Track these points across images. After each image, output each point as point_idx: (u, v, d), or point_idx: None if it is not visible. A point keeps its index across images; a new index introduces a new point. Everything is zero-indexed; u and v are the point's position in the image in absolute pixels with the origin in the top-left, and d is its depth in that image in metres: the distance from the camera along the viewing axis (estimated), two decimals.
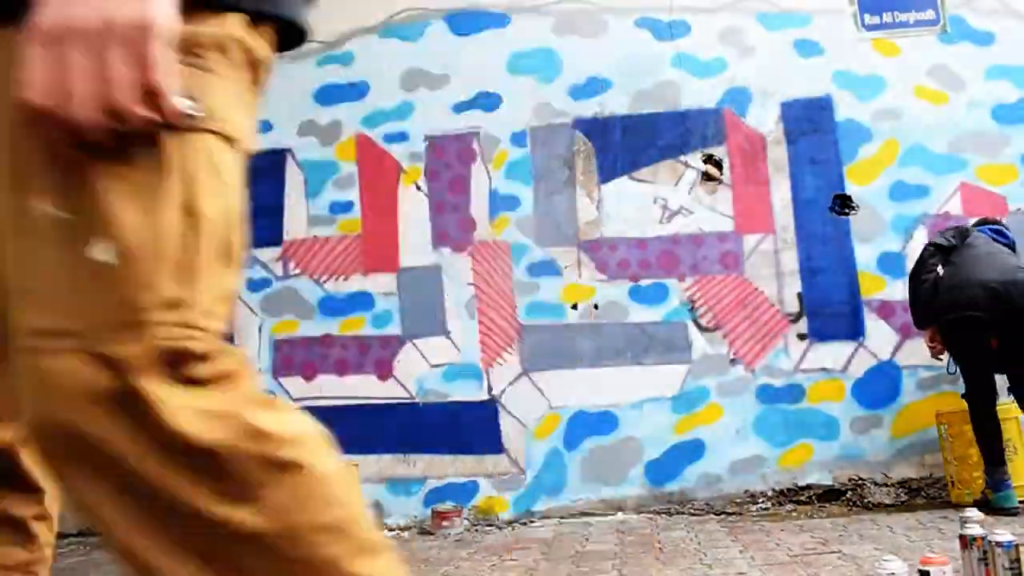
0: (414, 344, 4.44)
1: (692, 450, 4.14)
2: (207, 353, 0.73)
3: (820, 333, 4.21)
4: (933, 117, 4.33)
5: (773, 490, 4.04)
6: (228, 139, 0.78)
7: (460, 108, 4.60)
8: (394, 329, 4.44)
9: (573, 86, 4.54)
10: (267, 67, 0.85)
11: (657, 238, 4.37)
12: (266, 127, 4.73)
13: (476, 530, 3.99)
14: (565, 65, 4.56)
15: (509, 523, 4.09)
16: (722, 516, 3.85)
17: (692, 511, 3.98)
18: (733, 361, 4.22)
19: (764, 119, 4.41)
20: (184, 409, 0.70)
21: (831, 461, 4.07)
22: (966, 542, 2.06)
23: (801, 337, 4.22)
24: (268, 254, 4.62)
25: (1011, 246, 3.71)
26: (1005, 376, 3.54)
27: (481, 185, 4.53)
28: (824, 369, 4.17)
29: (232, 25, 0.78)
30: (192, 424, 0.70)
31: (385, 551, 0.79)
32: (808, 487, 4.03)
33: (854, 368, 4.16)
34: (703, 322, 4.26)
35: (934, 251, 3.65)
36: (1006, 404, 3.77)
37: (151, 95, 0.67)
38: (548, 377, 4.31)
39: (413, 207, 4.55)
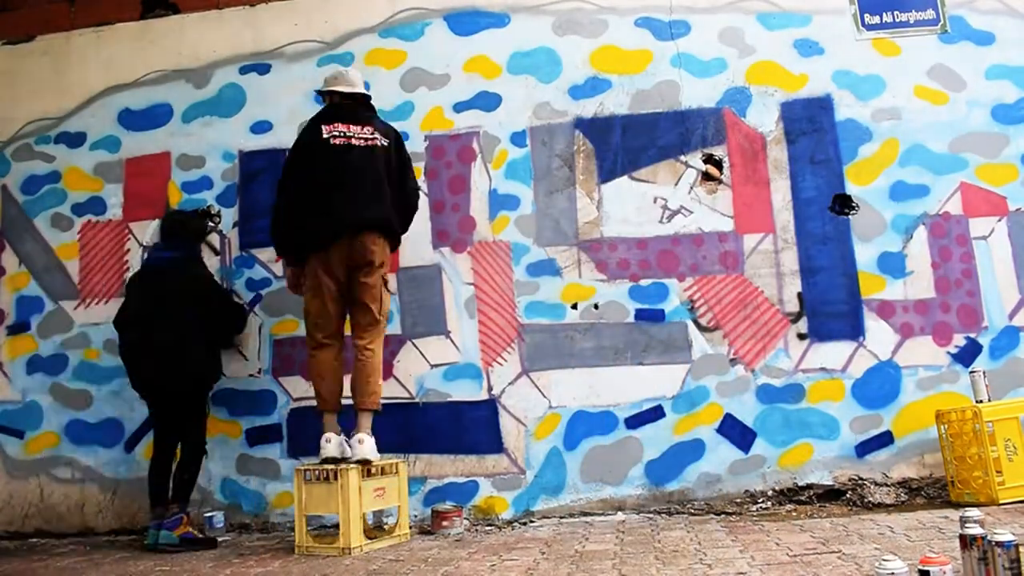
0: (414, 344, 4.44)
1: (692, 450, 4.14)
2: None
3: (820, 333, 4.20)
4: (933, 117, 4.33)
5: (773, 490, 4.04)
6: None
7: (460, 108, 4.60)
8: (394, 329, 4.44)
9: (573, 86, 4.54)
10: None
11: (657, 238, 4.37)
12: (266, 127, 4.74)
13: (476, 530, 3.98)
14: (565, 65, 4.56)
15: (509, 523, 4.09)
16: (722, 516, 3.85)
17: (692, 511, 3.98)
18: (733, 361, 4.21)
19: (764, 119, 4.42)
20: None
21: (831, 461, 4.07)
22: (966, 542, 2.06)
23: (801, 337, 4.21)
24: (268, 254, 4.62)
25: None
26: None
27: (481, 185, 4.53)
28: (824, 369, 4.17)
29: None
30: None
31: None
32: (808, 487, 4.02)
33: (854, 368, 4.15)
34: (703, 322, 4.26)
35: None
36: (1008, 402, 3.78)
37: None
38: (548, 377, 4.31)
39: None
